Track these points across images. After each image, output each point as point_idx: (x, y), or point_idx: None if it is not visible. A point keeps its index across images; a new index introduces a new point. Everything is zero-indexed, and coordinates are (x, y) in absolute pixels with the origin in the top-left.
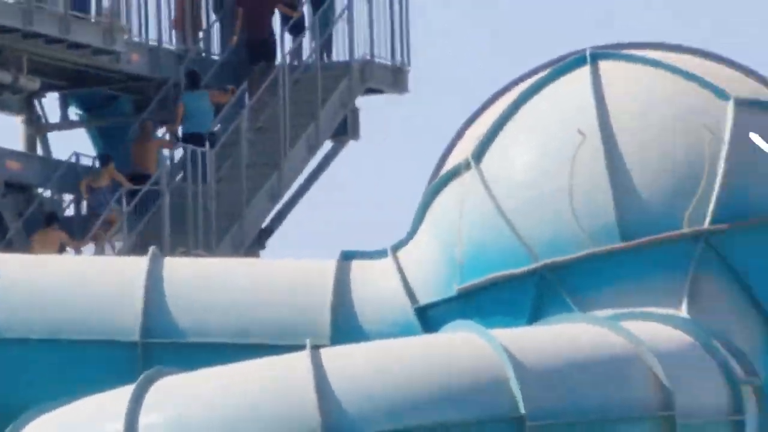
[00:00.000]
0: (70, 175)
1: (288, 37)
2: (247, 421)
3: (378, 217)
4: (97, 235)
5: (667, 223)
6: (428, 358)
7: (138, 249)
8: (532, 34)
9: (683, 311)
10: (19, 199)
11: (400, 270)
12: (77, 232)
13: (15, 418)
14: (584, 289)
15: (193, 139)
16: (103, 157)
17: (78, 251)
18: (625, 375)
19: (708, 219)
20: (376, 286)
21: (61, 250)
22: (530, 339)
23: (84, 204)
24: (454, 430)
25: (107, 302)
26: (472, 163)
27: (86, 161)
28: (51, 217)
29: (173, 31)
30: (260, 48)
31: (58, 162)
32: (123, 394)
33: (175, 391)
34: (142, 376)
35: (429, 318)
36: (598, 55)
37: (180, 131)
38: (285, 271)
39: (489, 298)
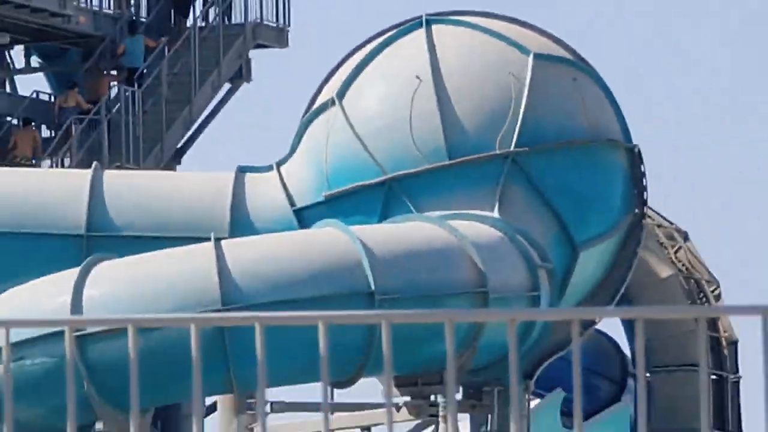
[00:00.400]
0: (30, 107)
1: (199, 4)
2: (165, 295)
3: (264, 141)
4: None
5: (483, 146)
6: (301, 247)
7: (84, 164)
8: (388, 4)
9: (495, 214)
10: None
11: (282, 181)
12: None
13: None
14: (421, 196)
15: (129, 71)
16: (71, 83)
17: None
18: (451, 260)
19: (513, 143)
20: (264, 193)
21: (35, 144)
22: (379, 232)
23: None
24: (319, 302)
25: (60, 204)
26: (336, 100)
27: (44, 97)
28: (27, 121)
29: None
30: (181, 6)
31: (23, 97)
32: (71, 274)
33: (111, 272)
34: (86, 261)
35: (304, 218)
36: (432, 20)
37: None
38: (195, 181)
39: (349, 203)
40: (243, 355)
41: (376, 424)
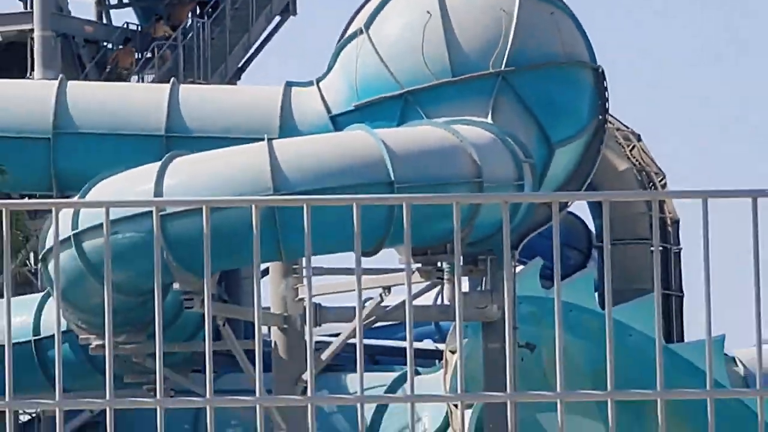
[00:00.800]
0: (121, 36)
1: None
2: (228, 183)
3: (307, 63)
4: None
5: (479, 66)
6: (336, 146)
7: (164, 80)
8: None
9: (488, 120)
10: (92, 49)
11: (321, 94)
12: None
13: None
14: (430, 106)
15: (201, 3)
16: (157, 16)
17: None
18: (453, 156)
19: (503, 64)
20: (306, 103)
21: (132, 59)
22: (397, 134)
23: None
24: (350, 189)
25: (145, 111)
26: (364, 30)
27: (132, 27)
28: (126, 40)
29: None
30: None
31: (116, 27)
32: (154, 167)
33: (185, 165)
34: (165, 156)
35: (338, 123)
36: None
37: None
38: (252, 93)
39: (373, 111)
40: (290, 231)
41: (394, 285)
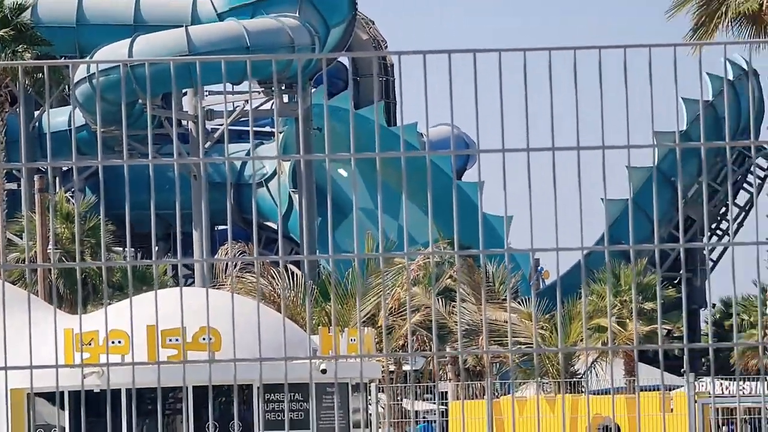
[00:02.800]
0: None
1: None
2: (163, 47)
3: None
4: None
5: None
6: (215, 27)
7: None
8: None
9: (297, 15)
10: None
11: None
12: None
13: None
14: (268, 9)
15: None
16: None
17: None
18: (277, 31)
19: None
20: (204, 5)
21: None
22: (247, 21)
23: None
24: (224, 52)
25: (118, 8)
26: None
27: None
28: None
29: None
30: None
31: None
32: (127, 41)
33: (144, 40)
34: (134, 35)
35: (222, 17)
36: None
37: None
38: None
39: (239, 11)
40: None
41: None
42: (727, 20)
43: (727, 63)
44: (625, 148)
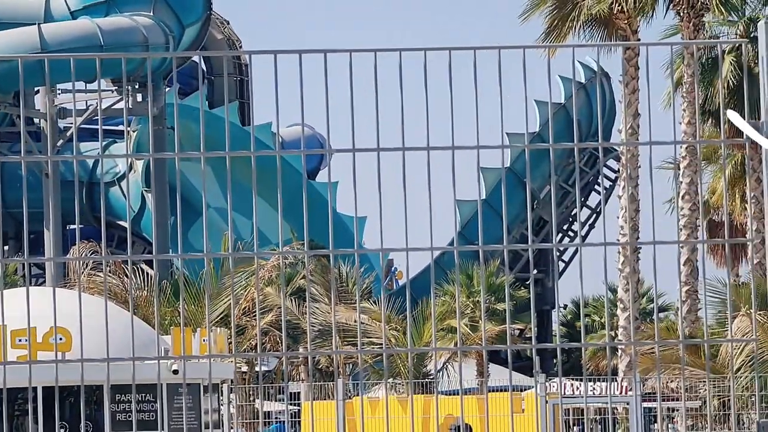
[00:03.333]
0: None
1: None
2: (15, 45)
3: None
4: None
5: None
6: (69, 25)
7: None
8: None
9: (151, 13)
10: None
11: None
12: None
13: None
14: (119, 8)
15: None
16: None
17: None
18: (132, 30)
19: None
20: (57, 4)
21: None
22: (101, 20)
23: None
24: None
25: None
26: None
27: None
28: None
29: None
30: None
31: None
32: None
33: None
34: None
35: (75, 16)
36: None
37: None
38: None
39: (90, 10)
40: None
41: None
42: (579, 23)
43: (580, 65)
44: (475, 149)
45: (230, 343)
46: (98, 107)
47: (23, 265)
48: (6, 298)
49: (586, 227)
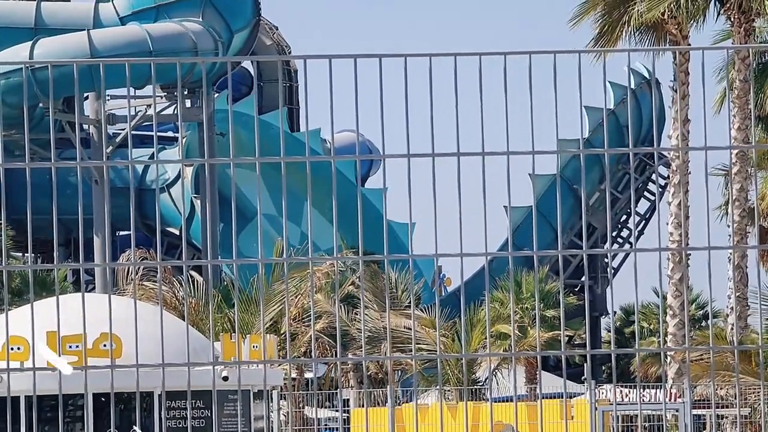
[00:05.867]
0: None
1: None
2: (69, 49)
3: None
4: None
5: None
6: (120, 31)
7: None
8: None
9: (200, 19)
10: None
11: (114, 6)
12: None
13: None
14: (169, 14)
15: None
16: None
17: None
18: (179, 36)
19: None
20: (107, 10)
21: None
22: (148, 26)
23: None
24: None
25: (19, 13)
26: None
27: None
28: None
29: None
30: None
31: None
32: (28, 44)
33: (47, 42)
34: (35, 38)
35: (124, 22)
36: None
37: None
38: (78, 5)
39: (140, 15)
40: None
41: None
42: (629, 29)
43: (630, 71)
44: (530, 154)
45: (280, 349)
46: (153, 113)
47: (73, 271)
48: (57, 305)
49: (636, 233)
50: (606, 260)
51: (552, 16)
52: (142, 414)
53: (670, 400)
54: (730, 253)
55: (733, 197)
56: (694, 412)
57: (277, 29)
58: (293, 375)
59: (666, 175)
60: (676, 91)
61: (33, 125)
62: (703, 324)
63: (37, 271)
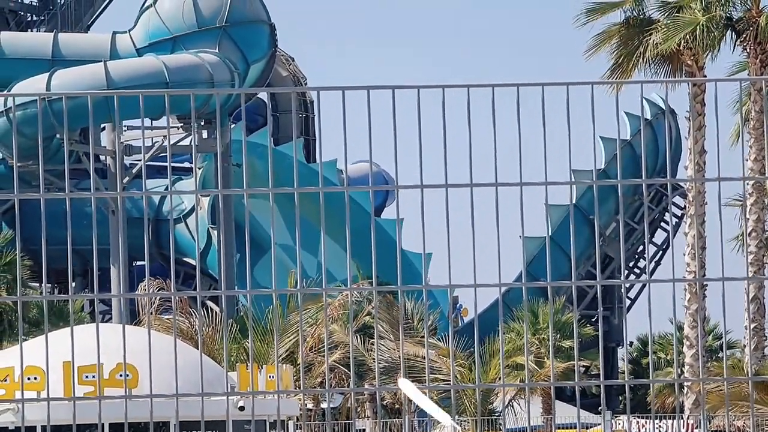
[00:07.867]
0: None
1: None
2: (84, 80)
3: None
4: None
5: (211, 23)
6: (136, 62)
7: (48, 29)
8: None
9: (216, 50)
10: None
11: (131, 37)
12: None
13: None
14: (186, 45)
15: None
16: None
17: None
18: (196, 68)
19: (224, 21)
20: (123, 41)
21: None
22: (167, 57)
23: None
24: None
25: (38, 46)
26: (152, 3)
27: None
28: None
29: None
30: None
31: None
32: (45, 75)
33: (63, 73)
34: (51, 69)
35: (140, 53)
36: None
37: None
38: (95, 37)
39: (156, 47)
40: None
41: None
42: (645, 60)
43: (645, 102)
44: (543, 185)
45: (296, 380)
46: (167, 144)
47: (90, 301)
48: (72, 335)
49: (652, 264)
50: (621, 291)
51: (569, 45)
52: None
53: (686, 430)
54: (749, 284)
55: (750, 228)
56: None
57: (293, 60)
58: (309, 405)
59: (683, 206)
60: (692, 122)
61: (50, 156)
62: (721, 355)
63: (54, 302)
